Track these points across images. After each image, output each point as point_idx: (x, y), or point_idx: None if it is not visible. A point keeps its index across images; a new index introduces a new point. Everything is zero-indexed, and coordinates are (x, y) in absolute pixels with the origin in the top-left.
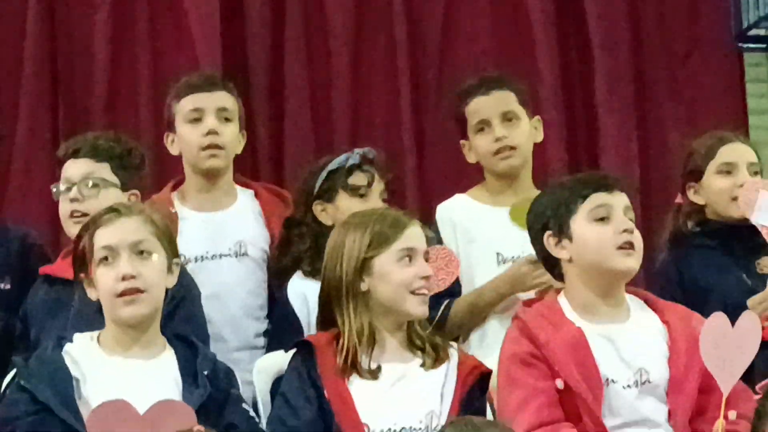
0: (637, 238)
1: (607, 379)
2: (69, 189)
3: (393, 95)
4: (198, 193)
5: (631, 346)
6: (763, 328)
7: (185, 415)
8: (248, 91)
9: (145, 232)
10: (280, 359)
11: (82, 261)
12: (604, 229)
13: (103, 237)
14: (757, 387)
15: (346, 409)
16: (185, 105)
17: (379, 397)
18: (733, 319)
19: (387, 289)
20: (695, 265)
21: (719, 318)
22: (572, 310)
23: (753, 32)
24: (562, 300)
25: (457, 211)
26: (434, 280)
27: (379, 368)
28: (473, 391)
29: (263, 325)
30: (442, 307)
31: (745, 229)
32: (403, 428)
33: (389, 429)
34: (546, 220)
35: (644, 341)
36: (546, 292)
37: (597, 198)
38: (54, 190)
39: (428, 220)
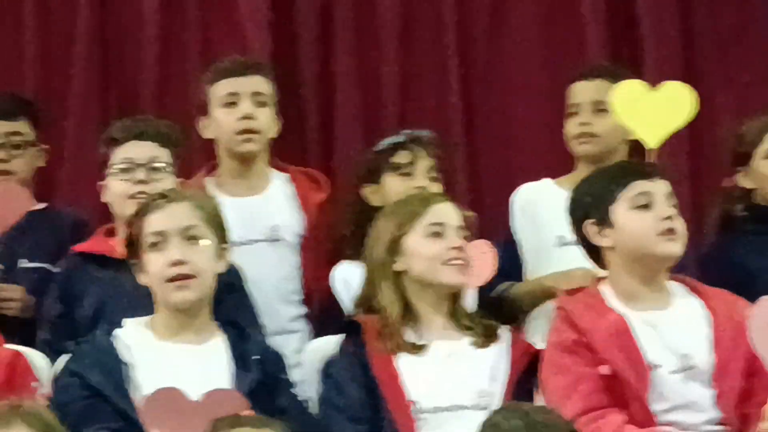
0: (680, 224)
1: (652, 365)
2: (127, 170)
3: (443, 83)
4: (232, 178)
5: (674, 331)
6: None
7: (237, 403)
8: (298, 79)
9: (195, 218)
10: (330, 342)
11: (133, 245)
12: (646, 215)
13: (153, 222)
14: None
15: (393, 386)
16: (220, 89)
17: (427, 374)
18: None
19: (420, 264)
20: (743, 250)
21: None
22: (615, 298)
23: None
24: (605, 288)
25: (530, 193)
26: (471, 272)
27: (426, 345)
28: (525, 373)
29: (298, 310)
30: (501, 288)
31: None
32: (452, 405)
33: (438, 406)
34: (587, 208)
35: (687, 327)
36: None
37: (638, 185)
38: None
39: (478, 200)
